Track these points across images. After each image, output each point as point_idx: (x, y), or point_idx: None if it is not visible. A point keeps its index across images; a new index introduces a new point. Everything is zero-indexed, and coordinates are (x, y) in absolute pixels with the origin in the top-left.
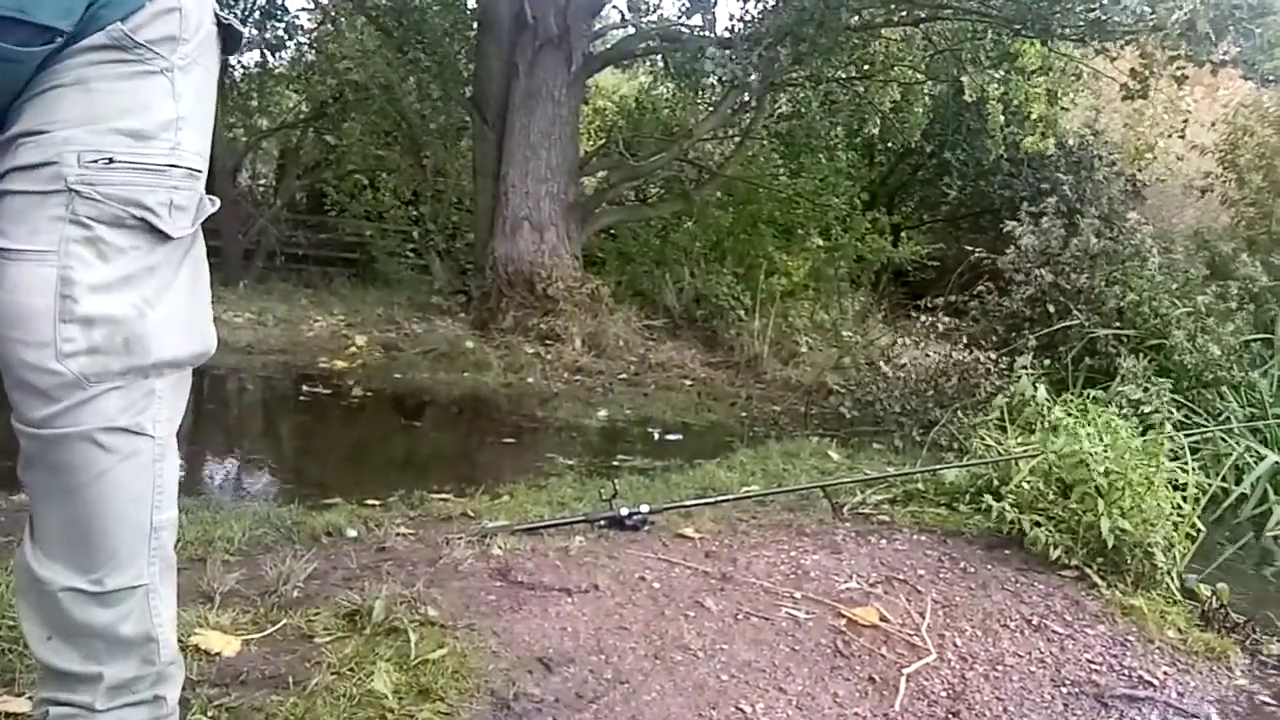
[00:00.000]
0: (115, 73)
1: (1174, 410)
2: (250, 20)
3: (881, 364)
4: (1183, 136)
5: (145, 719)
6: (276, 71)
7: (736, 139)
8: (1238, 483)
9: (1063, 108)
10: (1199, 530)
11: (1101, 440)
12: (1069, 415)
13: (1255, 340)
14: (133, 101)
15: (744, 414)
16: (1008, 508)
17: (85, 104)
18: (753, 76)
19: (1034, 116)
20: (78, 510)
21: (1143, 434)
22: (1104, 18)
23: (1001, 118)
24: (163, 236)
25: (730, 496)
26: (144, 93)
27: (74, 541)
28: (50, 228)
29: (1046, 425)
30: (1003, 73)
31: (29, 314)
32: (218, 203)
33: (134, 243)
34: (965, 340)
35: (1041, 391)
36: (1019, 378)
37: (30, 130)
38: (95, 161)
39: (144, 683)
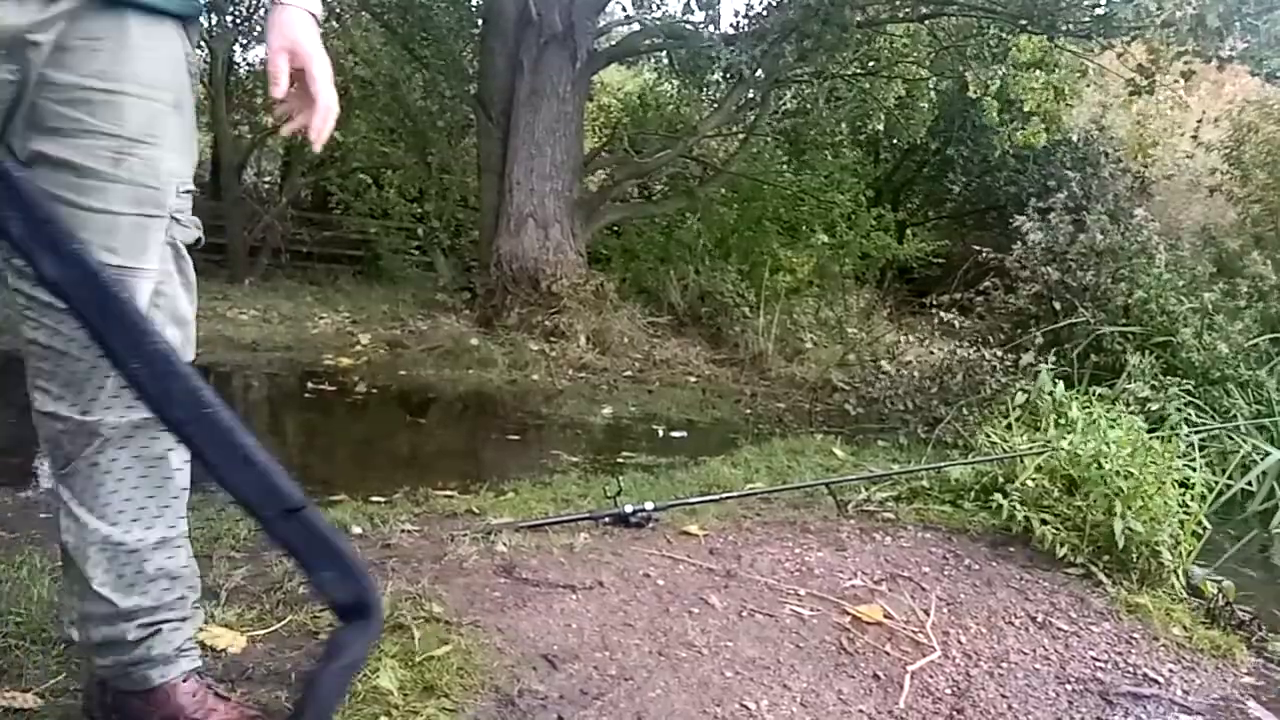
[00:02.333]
0: (191, 101)
1: (1181, 407)
2: (255, 18)
3: (886, 361)
4: (1195, 137)
5: (200, 620)
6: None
7: (741, 136)
8: (1245, 480)
9: (1068, 104)
10: (1205, 527)
11: (1116, 439)
12: (1087, 412)
13: (1264, 338)
14: (194, 131)
15: (749, 411)
16: (1015, 505)
17: (179, 130)
18: (758, 72)
19: (1031, 111)
20: (158, 475)
21: (1150, 431)
22: (1110, 13)
23: (995, 113)
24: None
25: (735, 494)
26: (194, 120)
27: (147, 503)
28: (156, 250)
29: (1063, 422)
30: (1004, 69)
31: None
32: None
33: (186, 257)
34: (971, 337)
35: (1060, 388)
36: (1037, 374)
37: (136, 137)
38: (185, 193)
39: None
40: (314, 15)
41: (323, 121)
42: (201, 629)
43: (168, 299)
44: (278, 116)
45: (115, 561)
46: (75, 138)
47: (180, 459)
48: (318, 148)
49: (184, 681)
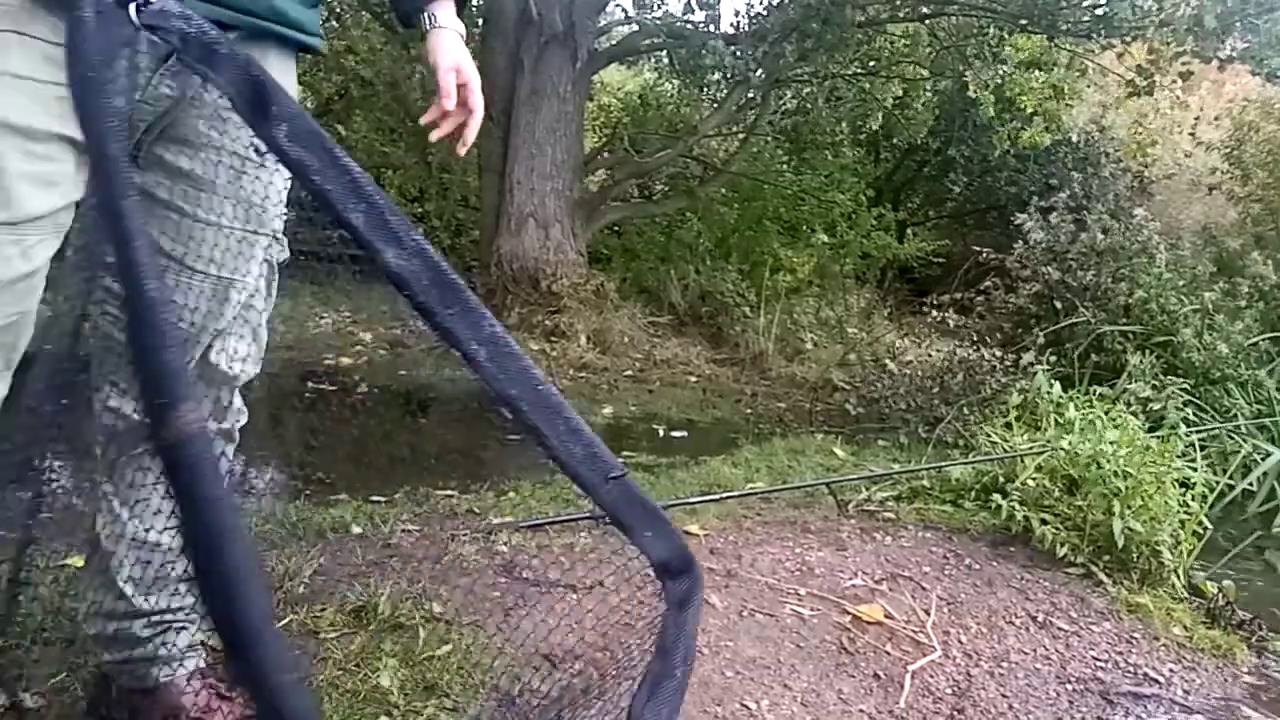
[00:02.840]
0: None
1: (1181, 407)
2: None
3: (887, 361)
4: (1193, 135)
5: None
6: None
7: (741, 135)
8: (1245, 480)
9: (1067, 104)
10: (1206, 528)
11: (1116, 439)
12: (1085, 413)
13: (1263, 338)
14: None
15: (749, 411)
16: (1015, 505)
17: None
18: (758, 72)
19: (1028, 110)
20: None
21: (1150, 431)
22: (1110, 13)
23: (990, 109)
24: None
25: (735, 493)
26: None
27: None
28: (255, 267)
29: (1060, 422)
30: (1004, 69)
31: (222, 330)
32: None
33: (276, 275)
34: (971, 337)
35: (1058, 388)
36: (1034, 374)
37: (255, 159)
38: (284, 215)
39: None
40: (461, 35)
41: (476, 127)
42: (202, 629)
43: (254, 313)
44: (426, 122)
45: (143, 561)
46: (203, 151)
47: (223, 469)
48: (462, 151)
49: (187, 681)
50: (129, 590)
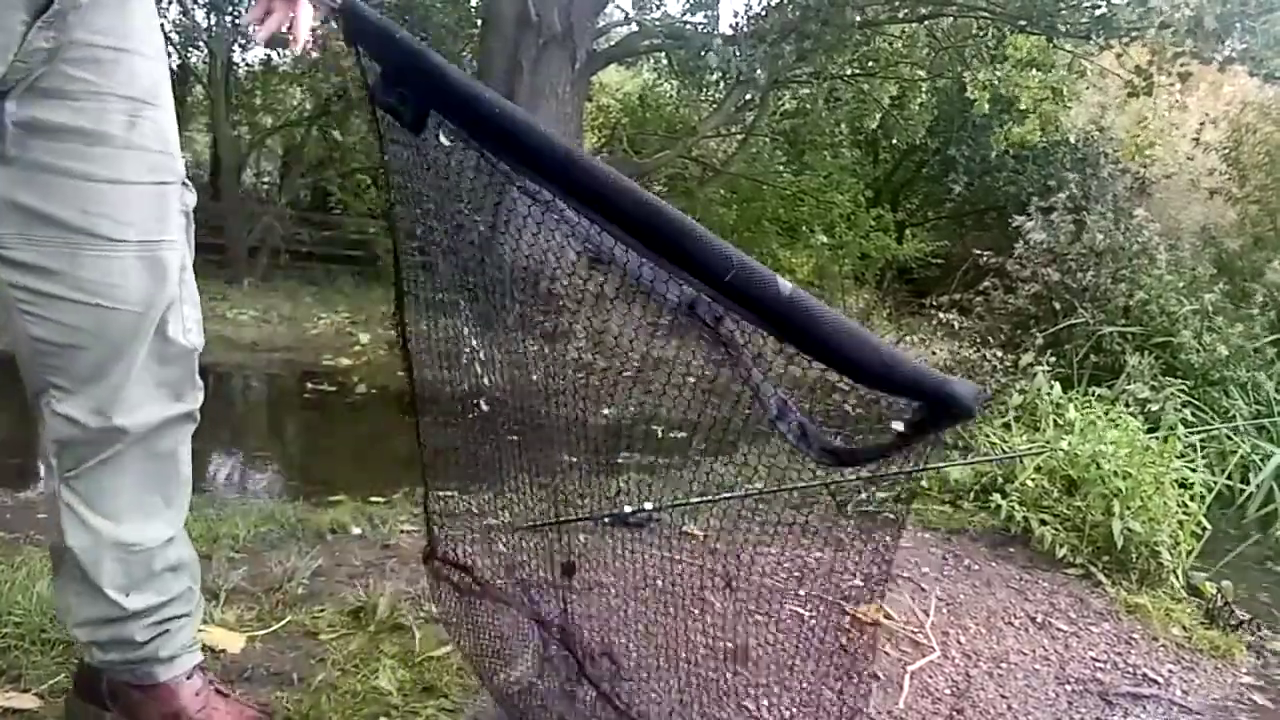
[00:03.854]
0: None
1: (1180, 408)
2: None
3: None
4: (1196, 140)
5: (202, 612)
6: (280, 69)
7: (740, 136)
8: (1244, 481)
9: (1065, 105)
10: (1204, 528)
11: (1115, 439)
12: (1085, 413)
13: (1263, 340)
14: None
15: (748, 411)
16: (1014, 505)
17: (170, 94)
18: (757, 73)
19: (1025, 109)
20: (170, 471)
21: (1149, 431)
22: (1109, 14)
23: (986, 106)
24: None
25: (735, 494)
26: None
27: (155, 500)
28: (175, 220)
29: (1060, 423)
30: (1002, 70)
31: (173, 299)
32: None
33: (193, 224)
34: (970, 338)
35: (1057, 389)
36: (1034, 375)
37: (146, 99)
38: (184, 158)
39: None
40: None
41: (305, 21)
42: (201, 629)
43: (188, 273)
44: (248, 21)
45: (126, 563)
46: (85, 100)
47: (188, 452)
48: (297, 50)
49: (189, 679)
50: (117, 595)
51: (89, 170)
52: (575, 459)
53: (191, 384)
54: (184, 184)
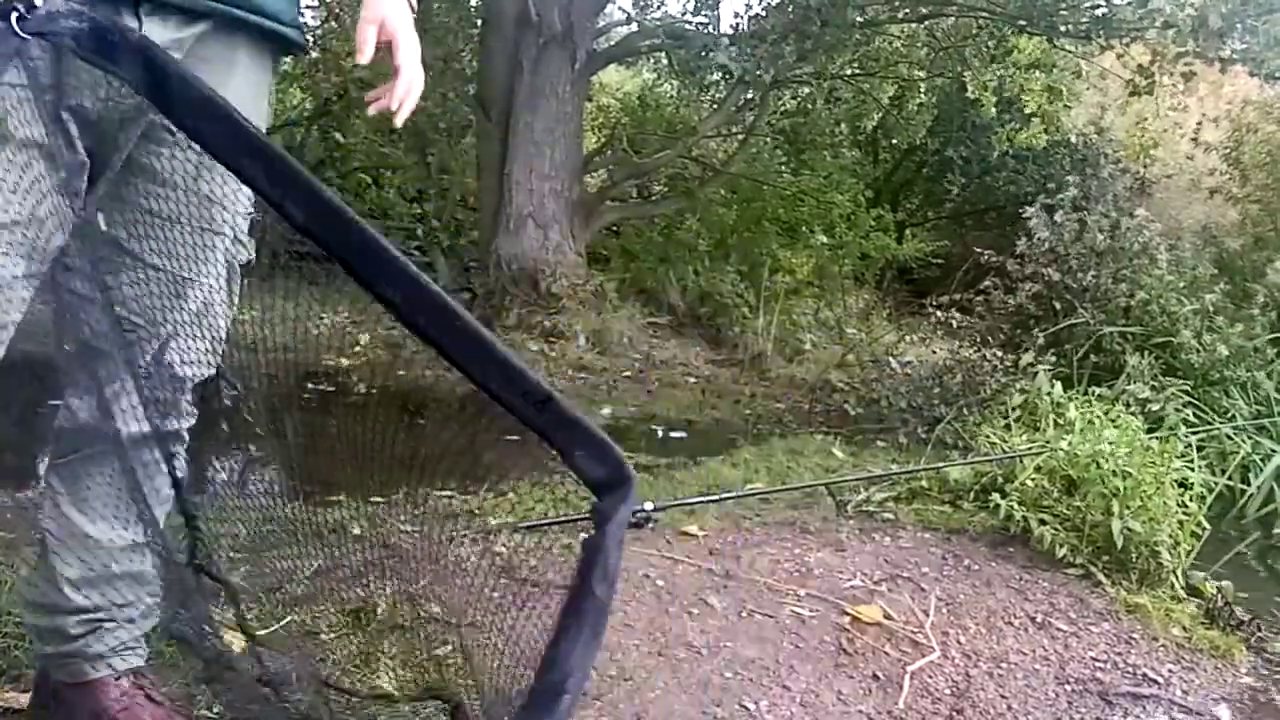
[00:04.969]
0: (264, 125)
1: (1180, 408)
2: None
3: (890, 359)
4: (1194, 139)
5: (153, 622)
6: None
7: (740, 136)
8: (1244, 481)
9: (1065, 105)
10: (1204, 528)
11: (1115, 439)
12: (1085, 413)
13: (1263, 340)
14: None
15: (748, 411)
16: (1014, 505)
17: None
18: (758, 73)
19: (1029, 110)
20: (144, 483)
21: (1149, 431)
22: (1110, 14)
23: (992, 108)
24: None
25: (734, 494)
26: None
27: (130, 508)
28: (214, 269)
29: (1061, 422)
30: (1002, 69)
31: (177, 330)
32: None
33: (238, 277)
34: (970, 338)
35: (1058, 388)
36: (1035, 374)
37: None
38: (248, 216)
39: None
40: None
41: (405, 92)
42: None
43: (214, 316)
44: (367, 99)
45: (85, 557)
46: (165, 147)
47: (174, 470)
48: (399, 121)
49: (116, 680)
50: (66, 588)
51: (153, 205)
52: None
53: (179, 408)
54: (237, 238)
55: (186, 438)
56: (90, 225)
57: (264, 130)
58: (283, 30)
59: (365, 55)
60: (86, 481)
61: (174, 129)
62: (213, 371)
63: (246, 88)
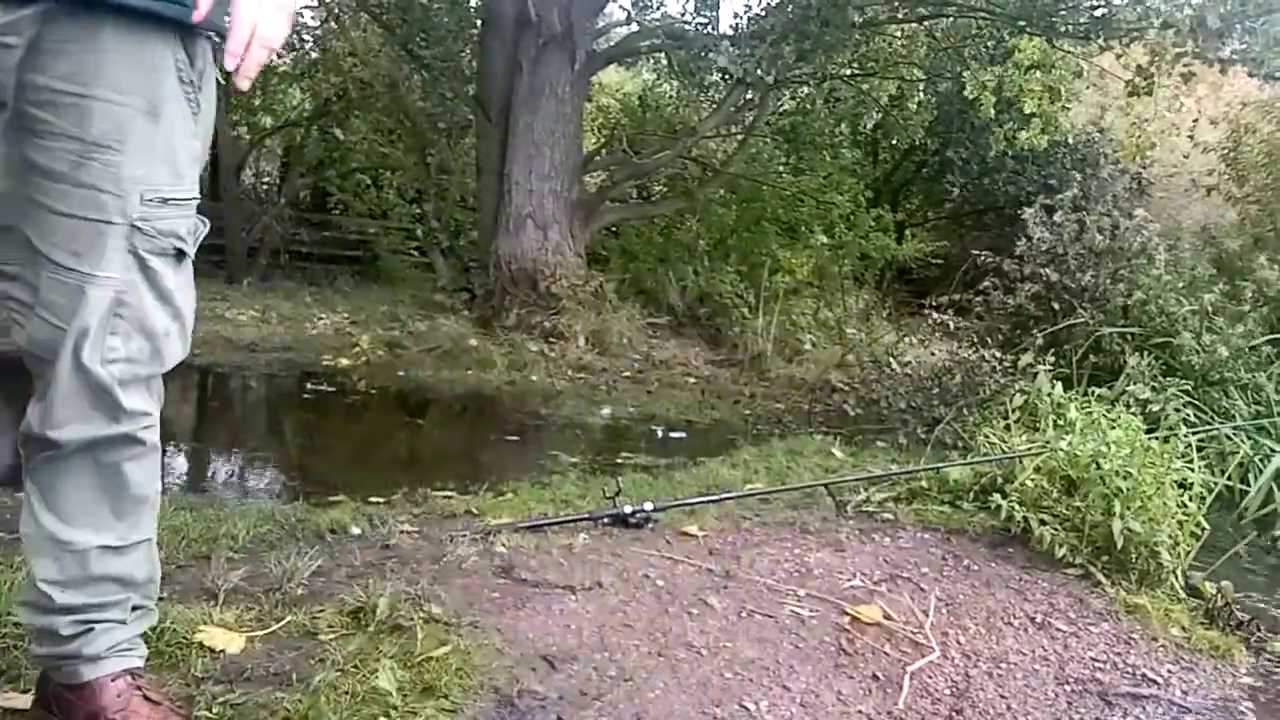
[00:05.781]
0: (181, 110)
1: (1180, 408)
2: None
3: (890, 359)
4: (1191, 138)
5: (149, 622)
6: (280, 69)
7: (740, 136)
8: (1244, 481)
9: (1064, 106)
10: (1204, 528)
11: (1115, 439)
12: (1086, 413)
13: (1264, 341)
14: (182, 141)
15: (748, 412)
16: (1014, 506)
17: (149, 137)
18: (758, 73)
19: (1029, 111)
20: (111, 485)
21: (1149, 432)
22: (1109, 15)
23: (993, 110)
24: (186, 260)
25: (734, 494)
26: (188, 130)
27: (101, 510)
28: (115, 258)
29: (1061, 423)
30: (1001, 69)
31: (87, 328)
32: (209, 224)
33: (169, 267)
34: (970, 338)
35: (1058, 389)
36: (1035, 375)
37: (97, 142)
38: (152, 200)
39: (148, 604)
40: None
41: (242, 42)
42: (200, 629)
43: (132, 309)
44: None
45: (59, 559)
46: (43, 139)
47: (143, 472)
48: (243, 83)
49: (112, 681)
50: (46, 586)
51: (47, 201)
52: None
53: (124, 409)
54: (137, 227)
55: (145, 439)
56: (14, 229)
57: (207, 115)
58: (154, 7)
59: (235, 60)
60: (55, 486)
61: (43, 119)
62: (164, 368)
63: (125, 72)
